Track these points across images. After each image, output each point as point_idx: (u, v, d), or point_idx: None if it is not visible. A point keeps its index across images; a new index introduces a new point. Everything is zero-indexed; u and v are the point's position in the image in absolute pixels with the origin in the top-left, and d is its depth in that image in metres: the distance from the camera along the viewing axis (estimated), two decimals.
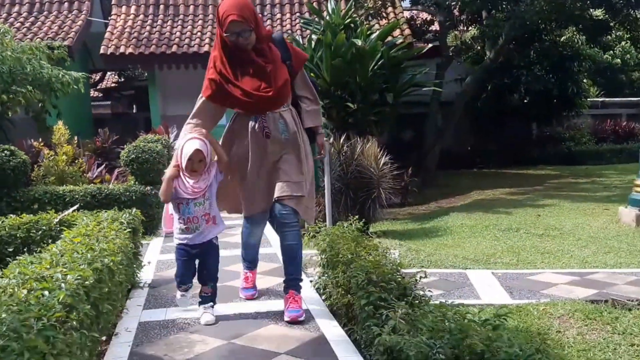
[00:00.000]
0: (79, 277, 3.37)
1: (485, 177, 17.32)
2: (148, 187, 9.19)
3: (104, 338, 4.11)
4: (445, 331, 3.10)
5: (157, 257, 7.02)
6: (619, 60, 24.83)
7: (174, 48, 16.00)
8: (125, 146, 9.83)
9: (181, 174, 4.48)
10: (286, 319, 4.61)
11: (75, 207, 6.86)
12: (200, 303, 4.72)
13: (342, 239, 5.08)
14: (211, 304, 4.70)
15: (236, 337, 4.30)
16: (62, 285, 3.19)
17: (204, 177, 4.53)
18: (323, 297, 5.18)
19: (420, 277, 4.20)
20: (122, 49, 15.91)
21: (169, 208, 4.77)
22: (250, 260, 5.30)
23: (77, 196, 8.73)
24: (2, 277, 3.43)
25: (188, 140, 4.47)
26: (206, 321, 4.57)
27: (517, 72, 19.33)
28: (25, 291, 3.05)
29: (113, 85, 25.08)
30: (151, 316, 4.85)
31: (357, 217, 5.99)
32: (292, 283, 4.80)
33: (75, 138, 11.69)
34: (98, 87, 24.52)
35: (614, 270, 6.97)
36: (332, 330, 4.40)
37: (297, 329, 4.46)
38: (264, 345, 4.14)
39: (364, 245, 4.90)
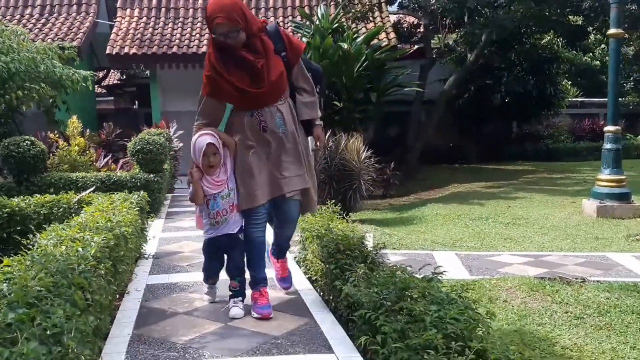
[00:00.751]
0: (104, 239, 4.29)
1: (464, 172, 18.17)
2: (151, 175, 10.10)
3: (117, 296, 4.96)
4: (392, 284, 3.96)
5: (160, 235, 7.93)
6: (598, 62, 25.59)
7: (175, 49, 16.92)
8: (132, 138, 10.71)
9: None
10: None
11: (92, 189, 7.78)
12: (230, 297, 4.74)
13: (318, 218, 5.93)
14: (240, 298, 4.73)
15: None
16: (92, 243, 4.10)
17: (223, 169, 4.58)
18: (302, 268, 6.04)
19: (380, 248, 5.08)
20: (126, 49, 16.84)
21: (198, 208, 4.81)
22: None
23: (88, 182, 9.61)
24: (40, 239, 4.34)
25: (198, 138, 4.50)
26: (234, 314, 4.60)
27: (499, 73, 20.12)
28: (63, 247, 3.96)
29: (116, 82, 25.77)
30: (156, 280, 5.70)
31: (333, 201, 6.85)
32: (279, 253, 5.23)
33: (87, 131, 12.65)
34: (102, 84, 25.22)
35: (566, 254, 7.85)
36: (308, 293, 5.24)
37: (279, 291, 5.26)
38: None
39: (337, 223, 5.76)
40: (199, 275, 5.32)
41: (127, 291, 5.25)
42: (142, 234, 6.59)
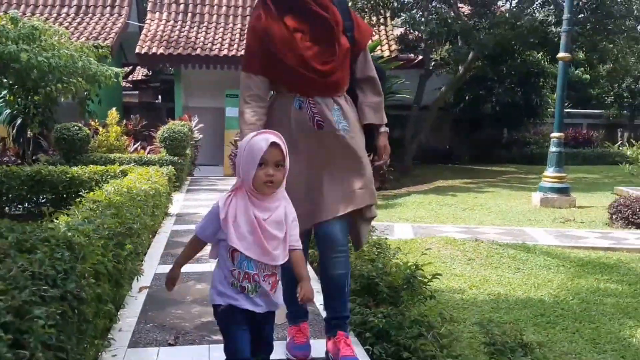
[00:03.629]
0: (148, 188, 6.53)
1: (454, 171, 20.17)
2: (176, 157, 12.40)
3: (151, 236, 7.14)
4: None
5: (182, 203, 10.16)
6: (588, 76, 27.43)
7: (198, 50, 18.95)
8: (158, 129, 13.03)
9: (246, 194, 2.77)
10: None
11: (132, 164, 10.06)
12: None
13: None
14: None
15: None
16: (142, 190, 6.34)
17: (278, 207, 2.82)
18: None
19: None
20: (154, 50, 18.86)
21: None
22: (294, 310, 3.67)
23: (124, 161, 11.85)
24: (106, 187, 6.56)
25: (254, 137, 2.78)
26: None
27: (491, 85, 22.15)
28: (125, 189, 6.18)
29: (142, 77, 27.66)
30: (179, 227, 7.92)
31: None
32: (339, 322, 3.52)
33: (124, 121, 14.94)
34: (128, 79, 27.09)
35: (494, 227, 10.04)
36: None
37: None
38: None
39: None
40: None
41: (158, 232, 7.45)
42: (169, 197, 8.83)
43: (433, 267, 6.98)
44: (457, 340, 3.66)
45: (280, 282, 2.84)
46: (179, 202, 10.16)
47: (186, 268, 5.41)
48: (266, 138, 2.72)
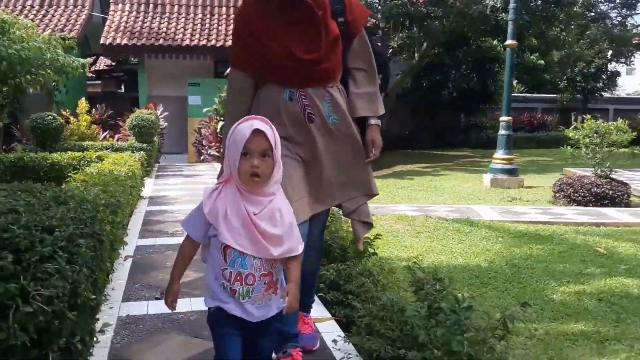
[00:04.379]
0: (126, 170, 7.18)
1: (413, 156, 21.00)
2: (144, 144, 13.02)
3: (129, 215, 7.78)
4: None
5: (152, 187, 10.78)
6: (542, 61, 28.36)
7: (161, 41, 19.55)
8: (124, 118, 13.61)
9: (235, 186, 2.49)
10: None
11: (107, 150, 10.67)
12: None
13: None
14: None
15: None
16: (121, 172, 6.98)
17: (272, 201, 2.52)
18: None
19: None
20: (118, 40, 19.42)
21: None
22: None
23: (97, 148, 12.41)
24: (88, 169, 7.18)
25: (239, 124, 2.51)
26: None
27: (447, 71, 23.01)
28: (107, 171, 6.81)
29: (105, 67, 27.97)
30: (153, 208, 8.58)
31: None
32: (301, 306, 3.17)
33: (94, 110, 15.47)
34: (91, 69, 27.32)
35: (443, 205, 10.82)
36: None
37: None
38: None
39: None
40: (183, 208, 8.17)
41: (134, 212, 8.09)
42: (142, 181, 9.47)
43: (385, 239, 7.78)
44: (392, 284, 4.47)
45: (278, 287, 2.56)
46: (150, 186, 10.78)
47: (165, 240, 6.23)
48: (250, 125, 2.45)
